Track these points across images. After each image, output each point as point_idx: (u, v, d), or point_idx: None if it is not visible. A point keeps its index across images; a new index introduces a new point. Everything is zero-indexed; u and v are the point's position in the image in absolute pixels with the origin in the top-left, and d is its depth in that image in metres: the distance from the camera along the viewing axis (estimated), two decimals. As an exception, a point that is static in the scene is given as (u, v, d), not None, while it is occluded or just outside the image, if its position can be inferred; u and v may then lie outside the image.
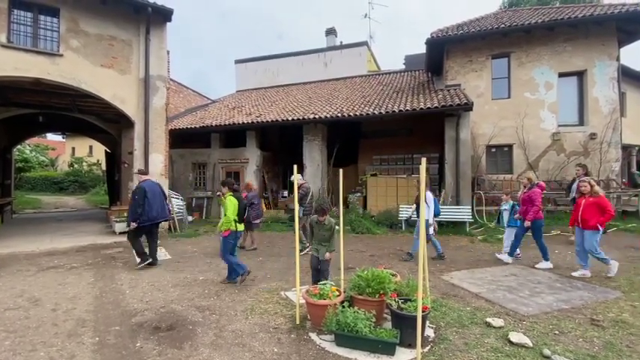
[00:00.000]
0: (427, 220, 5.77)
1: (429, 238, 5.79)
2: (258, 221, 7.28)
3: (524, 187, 5.85)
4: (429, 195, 5.86)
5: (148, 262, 5.61)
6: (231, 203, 4.66)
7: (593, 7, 11.35)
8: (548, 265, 5.41)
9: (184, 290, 4.52)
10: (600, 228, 4.73)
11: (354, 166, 13.24)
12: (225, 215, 4.72)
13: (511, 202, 6.24)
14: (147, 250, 5.74)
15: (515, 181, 10.84)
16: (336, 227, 4.15)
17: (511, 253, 5.80)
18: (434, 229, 6.04)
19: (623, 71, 11.46)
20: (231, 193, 4.80)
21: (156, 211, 5.68)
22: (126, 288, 4.66)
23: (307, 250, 6.21)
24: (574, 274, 4.90)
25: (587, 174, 6.82)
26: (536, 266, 5.44)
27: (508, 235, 6.07)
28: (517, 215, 5.85)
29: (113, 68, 8.47)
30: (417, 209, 5.79)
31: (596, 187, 4.86)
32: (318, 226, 4.12)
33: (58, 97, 9.62)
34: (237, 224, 4.74)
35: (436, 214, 6.07)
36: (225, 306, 3.92)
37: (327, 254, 4.06)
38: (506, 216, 6.32)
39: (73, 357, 2.85)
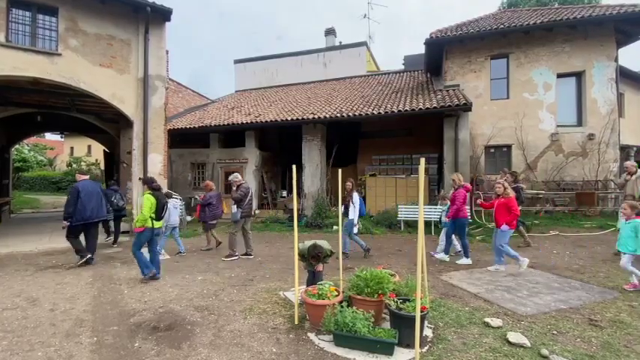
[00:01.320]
0: (352, 220, 6.11)
1: (350, 237, 6.27)
2: (214, 222, 7.31)
3: (453, 187, 6.03)
4: (356, 196, 6.19)
5: (86, 258, 5.72)
6: (147, 201, 4.79)
7: (591, 7, 11.39)
8: (468, 261, 5.73)
9: (183, 290, 4.51)
10: (507, 227, 5.10)
11: (353, 167, 13.26)
12: (141, 212, 4.87)
13: (448, 203, 6.40)
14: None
15: (514, 181, 10.86)
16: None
17: (446, 251, 6.06)
18: (357, 229, 6.33)
19: (622, 72, 11.50)
20: (149, 192, 4.91)
21: (90, 211, 5.74)
22: (124, 288, 4.65)
23: (234, 259, 6.23)
24: (489, 268, 5.31)
25: (516, 180, 7.12)
26: (457, 262, 5.76)
27: (443, 236, 6.38)
28: (447, 216, 6.17)
29: (112, 68, 8.45)
30: (347, 209, 6.17)
31: (509, 190, 5.25)
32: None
33: (56, 97, 9.60)
34: (154, 222, 4.88)
35: (361, 214, 6.34)
36: (224, 306, 3.92)
37: (320, 265, 3.99)
38: (443, 217, 6.60)
39: (71, 357, 2.85)
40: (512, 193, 5.25)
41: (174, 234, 6.87)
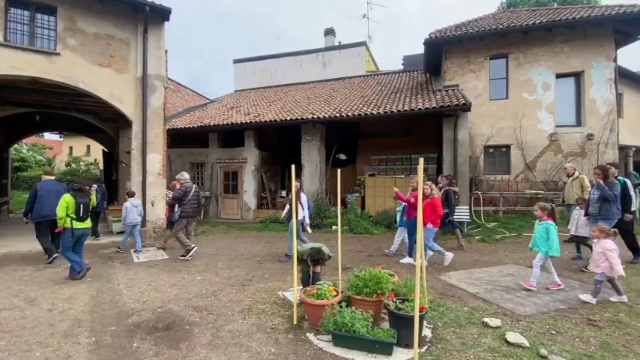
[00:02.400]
0: (301, 220, 6.12)
1: (298, 237, 6.10)
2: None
3: (413, 189, 6.11)
4: (303, 196, 6.20)
5: (52, 257, 5.88)
6: (63, 201, 4.91)
7: (590, 8, 11.41)
8: (409, 260, 5.86)
9: (181, 290, 4.50)
10: (432, 225, 5.56)
11: (352, 167, 13.25)
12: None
13: (403, 203, 6.43)
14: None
15: (513, 181, 10.88)
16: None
17: (409, 254, 6.02)
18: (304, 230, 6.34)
19: (621, 72, 11.51)
20: (70, 193, 5.07)
21: (48, 209, 5.80)
22: (123, 288, 4.64)
23: (191, 253, 6.24)
24: (403, 261, 5.81)
25: (450, 183, 7.33)
26: (401, 261, 5.89)
27: (399, 235, 6.45)
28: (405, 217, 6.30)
29: (111, 67, 8.44)
30: (290, 210, 6.16)
31: (434, 191, 5.72)
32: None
33: (55, 96, 9.58)
34: (75, 222, 4.98)
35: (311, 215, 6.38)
36: (223, 306, 3.91)
37: (318, 267, 3.98)
38: (399, 216, 6.73)
39: (69, 357, 2.84)
40: (437, 195, 5.73)
41: (134, 232, 7.01)
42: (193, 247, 6.35)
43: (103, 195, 8.57)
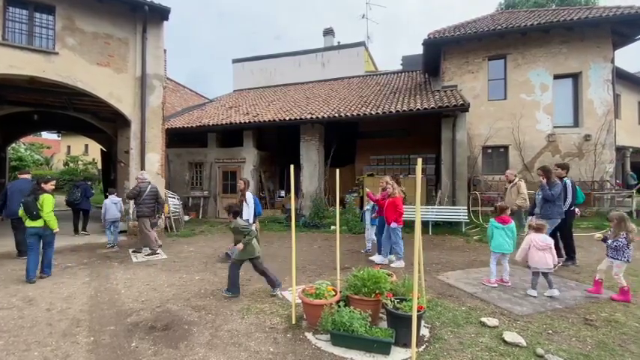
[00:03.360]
0: (248, 220, 6.07)
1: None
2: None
3: (382, 189, 6.17)
4: (249, 195, 6.18)
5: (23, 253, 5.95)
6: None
7: (588, 9, 11.46)
8: (380, 259, 5.86)
9: (180, 290, 4.51)
10: (395, 224, 5.62)
11: (351, 167, 13.27)
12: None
13: (372, 202, 6.46)
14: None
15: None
16: (247, 230, 4.27)
17: (379, 251, 6.05)
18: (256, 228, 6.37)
19: (618, 73, 11.57)
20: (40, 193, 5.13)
21: (17, 207, 5.84)
22: (121, 287, 4.64)
23: (154, 257, 6.33)
24: (374, 259, 5.84)
25: (397, 182, 7.25)
26: (370, 258, 5.97)
27: (369, 234, 6.51)
28: (374, 215, 6.39)
29: (109, 67, 8.42)
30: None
31: (396, 190, 5.79)
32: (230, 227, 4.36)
33: (53, 96, 9.55)
34: (28, 221, 4.97)
35: (258, 213, 6.34)
36: (221, 306, 3.92)
37: (240, 244, 4.16)
38: (368, 215, 6.72)
39: (68, 357, 2.84)
40: (399, 194, 5.77)
41: (112, 228, 7.21)
42: (158, 254, 6.52)
43: (84, 192, 8.87)
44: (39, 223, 4.94)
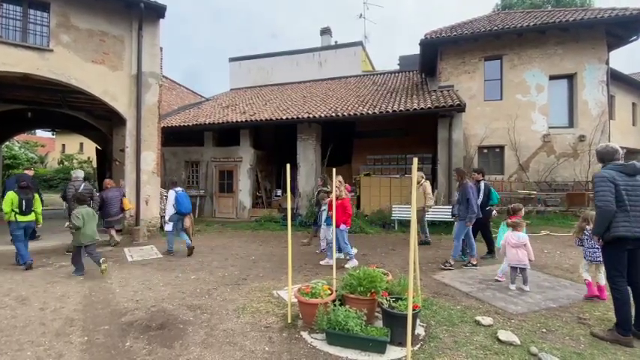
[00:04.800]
0: (163, 217, 6.44)
1: (178, 234, 6.61)
2: (111, 219, 7.54)
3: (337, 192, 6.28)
4: (170, 192, 6.54)
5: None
6: (7, 197, 5.50)
7: (583, 11, 11.54)
8: (354, 262, 5.66)
9: (175, 289, 4.49)
10: (344, 226, 5.63)
11: (347, 166, 13.27)
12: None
13: (325, 206, 6.51)
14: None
15: (506, 182, 10.99)
16: (74, 220, 5.02)
17: (342, 250, 5.91)
18: (173, 226, 6.61)
19: (612, 75, 11.68)
20: (14, 190, 5.62)
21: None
22: (116, 287, 4.61)
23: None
24: (322, 262, 5.77)
25: (324, 184, 7.52)
26: (346, 265, 5.64)
27: (325, 234, 6.43)
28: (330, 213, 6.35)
29: (104, 64, 8.35)
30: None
31: (343, 193, 5.87)
32: None
33: (47, 93, 9.46)
34: (18, 216, 5.49)
35: (180, 211, 6.53)
36: (217, 305, 3.91)
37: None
38: (324, 215, 6.69)
39: (61, 356, 2.82)
40: (346, 195, 5.84)
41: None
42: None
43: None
44: (31, 217, 5.66)
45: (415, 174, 2.64)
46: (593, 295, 4.02)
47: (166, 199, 6.86)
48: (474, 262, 5.49)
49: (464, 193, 5.37)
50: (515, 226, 4.46)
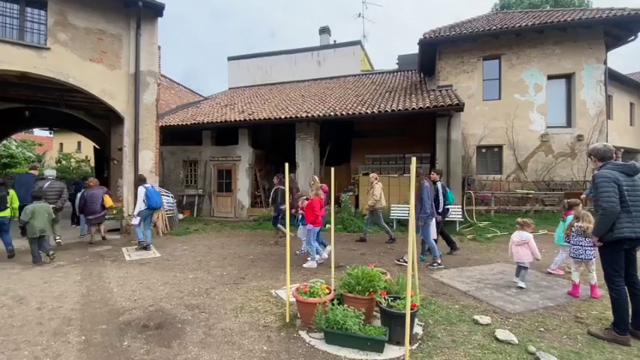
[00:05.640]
0: (140, 213, 6.74)
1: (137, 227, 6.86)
2: (92, 217, 7.60)
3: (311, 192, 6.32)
4: (140, 188, 6.81)
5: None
6: None
7: (581, 10, 11.57)
8: (313, 264, 5.65)
9: (174, 288, 4.48)
10: (312, 225, 5.67)
11: (346, 165, 13.27)
12: None
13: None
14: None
15: (505, 181, 11.01)
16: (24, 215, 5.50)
17: (313, 249, 5.87)
18: (140, 221, 6.82)
19: (610, 75, 11.70)
20: None
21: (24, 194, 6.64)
22: (114, 286, 4.59)
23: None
24: (305, 265, 5.65)
25: (280, 182, 7.62)
26: (304, 265, 5.63)
27: (302, 233, 6.37)
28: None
29: (102, 63, 8.32)
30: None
31: (312, 194, 5.98)
32: None
33: (45, 92, 9.42)
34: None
35: (150, 206, 6.81)
36: (215, 304, 3.90)
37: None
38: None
39: (58, 356, 2.81)
40: (316, 196, 5.90)
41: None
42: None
43: (78, 188, 9.60)
44: (6, 213, 5.93)
45: (414, 173, 2.64)
46: (574, 295, 4.08)
47: (163, 199, 6.92)
48: (439, 262, 5.58)
49: (420, 194, 5.46)
50: (523, 226, 4.52)
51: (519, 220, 4.67)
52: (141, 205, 6.71)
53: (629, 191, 2.93)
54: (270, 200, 7.23)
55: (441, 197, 6.02)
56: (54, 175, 7.51)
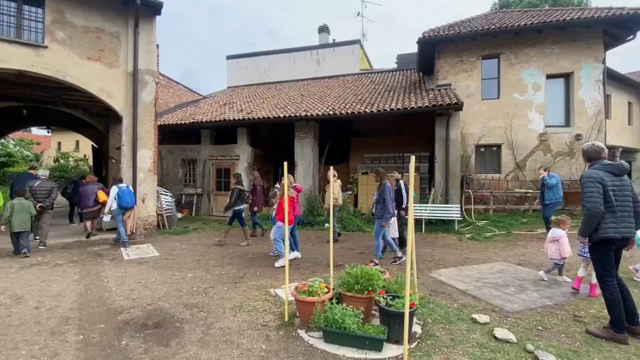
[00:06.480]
0: (114, 211, 7.04)
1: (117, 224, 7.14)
2: (86, 211, 7.97)
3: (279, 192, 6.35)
4: (113, 188, 7.13)
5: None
6: None
7: (580, 10, 11.58)
8: (283, 262, 5.46)
9: (172, 287, 4.47)
10: (281, 223, 5.67)
11: (345, 165, 13.27)
12: None
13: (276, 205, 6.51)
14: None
15: (503, 180, 11.03)
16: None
17: (281, 246, 5.81)
18: (109, 219, 7.27)
19: (609, 74, 11.72)
20: None
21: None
22: (112, 285, 4.58)
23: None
24: (276, 264, 5.61)
25: (238, 182, 7.76)
26: (276, 265, 5.59)
27: (274, 232, 6.24)
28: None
29: (100, 61, 8.28)
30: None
31: (279, 192, 6.00)
32: None
33: (42, 90, 9.38)
34: None
35: (122, 206, 7.07)
36: (214, 303, 3.89)
37: None
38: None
39: (56, 355, 2.80)
40: (279, 196, 5.94)
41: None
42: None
43: (76, 187, 9.69)
44: None
45: (413, 172, 2.64)
46: (576, 288, 4.19)
47: (162, 198, 6.94)
48: (399, 255, 5.77)
49: (382, 194, 5.51)
50: (558, 223, 4.59)
51: (553, 217, 4.76)
52: (112, 204, 7.07)
53: (615, 191, 2.94)
54: (231, 202, 7.38)
55: (404, 193, 6.27)
56: (46, 175, 7.69)
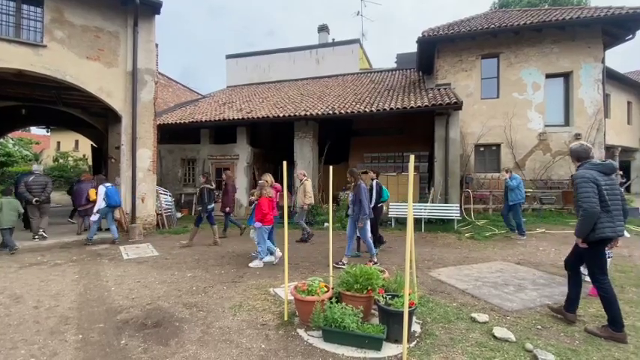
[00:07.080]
0: (99, 210, 7.20)
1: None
2: (80, 209, 8.25)
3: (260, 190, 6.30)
4: (100, 187, 7.29)
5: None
6: None
7: (580, 9, 11.59)
8: (259, 263, 5.56)
9: (171, 287, 4.47)
10: (259, 224, 5.54)
11: (345, 164, 13.26)
12: None
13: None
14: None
15: (503, 180, 11.03)
16: None
17: (262, 248, 5.71)
18: (99, 218, 7.39)
19: (608, 74, 11.74)
20: None
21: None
22: (111, 285, 4.58)
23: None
24: (251, 264, 5.53)
25: (207, 181, 7.59)
26: (250, 265, 5.54)
27: (253, 233, 6.14)
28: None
29: (99, 61, 8.27)
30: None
31: (260, 191, 5.82)
32: None
33: (41, 90, 9.36)
34: None
35: (110, 204, 7.26)
36: (213, 303, 3.89)
37: None
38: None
39: (55, 354, 2.79)
40: (266, 195, 5.73)
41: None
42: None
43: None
44: None
45: (412, 172, 2.64)
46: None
47: (161, 197, 6.94)
48: (344, 261, 5.57)
49: (357, 194, 5.46)
50: None
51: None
52: (101, 203, 7.20)
53: (607, 190, 2.95)
54: (195, 200, 7.44)
55: (374, 194, 6.24)
56: (40, 170, 7.90)
